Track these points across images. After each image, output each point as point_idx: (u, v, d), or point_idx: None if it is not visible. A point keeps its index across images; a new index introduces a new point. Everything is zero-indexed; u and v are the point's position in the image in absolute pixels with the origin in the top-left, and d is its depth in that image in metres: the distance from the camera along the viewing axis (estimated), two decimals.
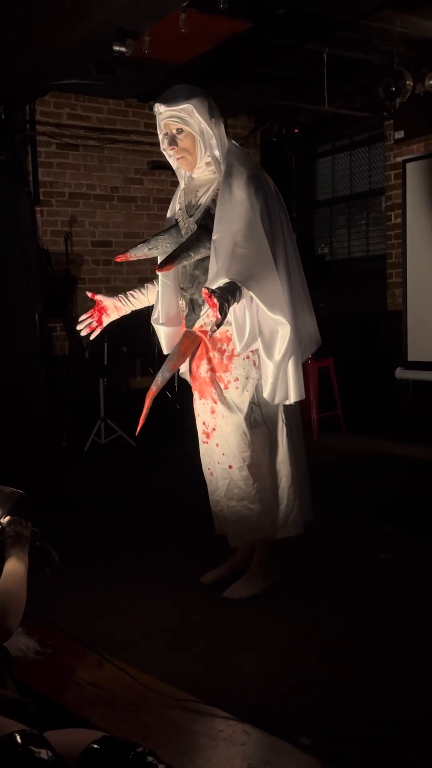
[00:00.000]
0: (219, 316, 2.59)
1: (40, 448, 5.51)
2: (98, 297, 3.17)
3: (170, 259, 2.88)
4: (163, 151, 3.07)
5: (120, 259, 3.11)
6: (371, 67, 6.10)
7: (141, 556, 3.68)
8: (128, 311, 3.22)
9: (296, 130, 7.33)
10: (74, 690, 2.13)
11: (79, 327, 3.16)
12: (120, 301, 3.18)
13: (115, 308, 3.17)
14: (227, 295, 2.65)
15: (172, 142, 2.95)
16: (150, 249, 3.08)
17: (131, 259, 3.09)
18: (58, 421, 6.06)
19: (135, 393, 6.74)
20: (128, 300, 3.19)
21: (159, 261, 3.12)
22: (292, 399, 2.98)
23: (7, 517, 2.18)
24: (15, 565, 2.04)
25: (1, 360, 5.49)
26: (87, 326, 3.15)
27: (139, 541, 3.92)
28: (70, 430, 6.26)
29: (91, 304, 3.20)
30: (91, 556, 3.65)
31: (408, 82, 5.60)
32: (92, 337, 3.18)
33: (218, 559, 3.31)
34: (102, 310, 3.16)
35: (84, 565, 3.46)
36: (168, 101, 2.90)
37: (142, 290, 3.22)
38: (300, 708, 2.24)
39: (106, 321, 3.18)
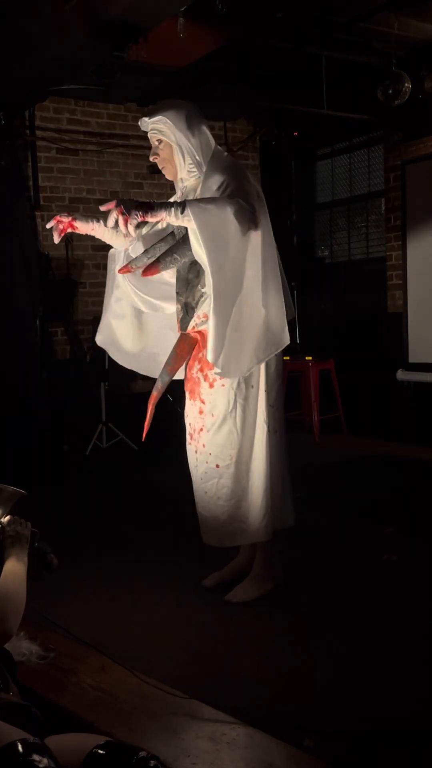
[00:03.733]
0: (114, 203, 2.68)
1: (41, 452, 5.52)
2: (71, 216, 3.08)
3: (156, 263, 2.91)
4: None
5: (122, 272, 3.12)
6: (370, 70, 6.10)
7: (143, 559, 3.68)
8: (98, 235, 3.13)
9: (295, 133, 7.33)
10: (77, 694, 2.14)
11: (50, 224, 3.05)
12: (98, 222, 3.10)
13: (87, 224, 3.09)
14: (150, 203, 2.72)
15: (154, 152, 3.07)
16: (149, 258, 3.06)
17: (133, 271, 3.08)
18: (59, 426, 6.06)
19: (136, 396, 6.74)
20: (102, 227, 3.10)
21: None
22: (209, 357, 2.76)
23: (8, 517, 2.18)
24: (15, 566, 2.04)
25: (2, 364, 5.50)
26: (55, 223, 3.03)
27: (142, 544, 3.93)
28: (72, 434, 6.26)
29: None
30: (93, 559, 3.66)
31: (406, 85, 5.60)
32: (50, 226, 3.06)
33: (221, 561, 3.31)
34: (72, 222, 3.06)
35: (86, 569, 3.47)
36: (149, 114, 3.01)
37: (115, 231, 3.05)
38: (303, 710, 2.24)
39: (77, 229, 3.08)
